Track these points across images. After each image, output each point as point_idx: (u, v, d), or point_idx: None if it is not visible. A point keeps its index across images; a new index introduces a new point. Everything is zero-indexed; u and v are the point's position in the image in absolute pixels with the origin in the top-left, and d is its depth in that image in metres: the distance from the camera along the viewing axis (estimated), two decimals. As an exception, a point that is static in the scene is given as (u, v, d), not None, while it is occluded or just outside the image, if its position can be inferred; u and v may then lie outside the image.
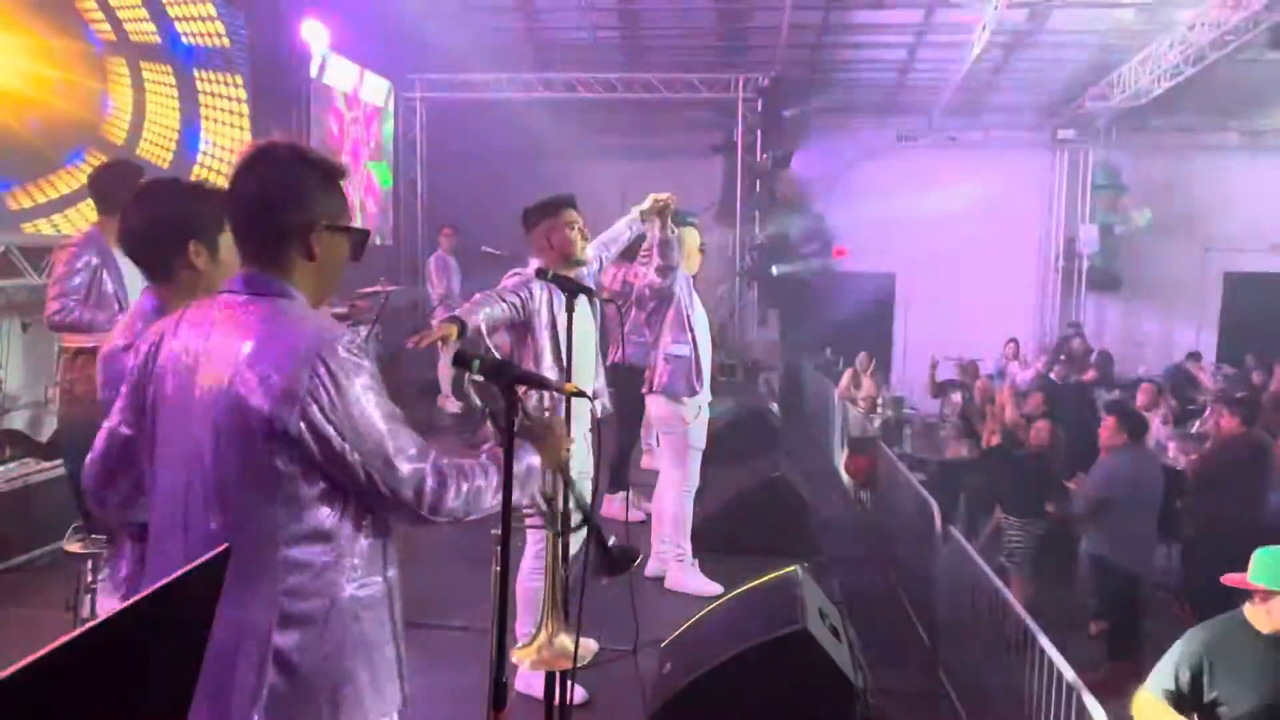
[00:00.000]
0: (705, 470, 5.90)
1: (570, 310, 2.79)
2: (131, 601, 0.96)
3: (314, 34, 9.01)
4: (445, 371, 9.21)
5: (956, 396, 8.88)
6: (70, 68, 5.96)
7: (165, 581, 0.98)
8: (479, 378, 1.67)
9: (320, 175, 1.72)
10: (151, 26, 6.97)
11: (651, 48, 11.84)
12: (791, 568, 3.64)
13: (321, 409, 1.55)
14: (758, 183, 12.21)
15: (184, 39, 7.31)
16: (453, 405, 9.01)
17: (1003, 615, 4.88)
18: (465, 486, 1.68)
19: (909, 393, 11.89)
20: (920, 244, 13.61)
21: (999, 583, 4.93)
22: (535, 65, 11.92)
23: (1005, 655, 4.91)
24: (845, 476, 8.91)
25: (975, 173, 13.51)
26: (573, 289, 2.80)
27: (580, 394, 1.80)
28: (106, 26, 6.41)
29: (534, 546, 3.33)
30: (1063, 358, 10.94)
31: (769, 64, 11.75)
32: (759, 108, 11.87)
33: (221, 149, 7.63)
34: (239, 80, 8.01)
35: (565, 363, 2.89)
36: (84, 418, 3.52)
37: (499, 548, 1.92)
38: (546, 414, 2.08)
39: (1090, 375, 10.35)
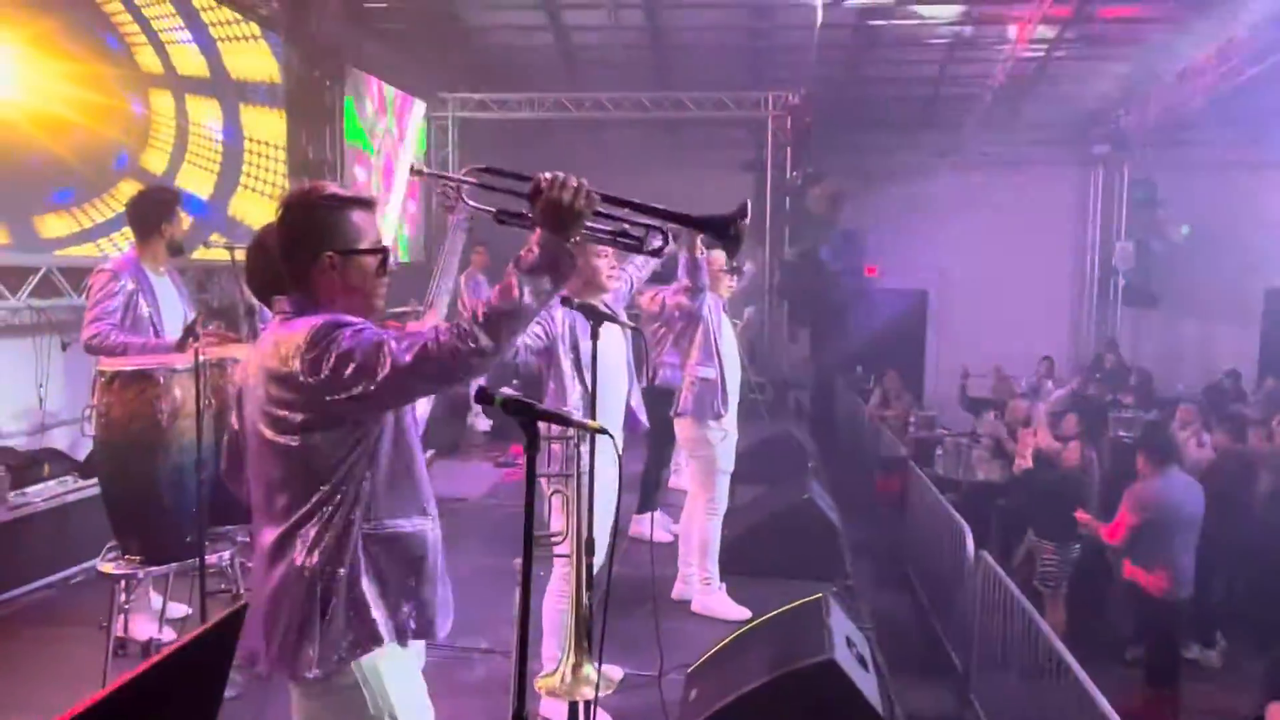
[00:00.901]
0: (733, 491, 5.89)
1: (595, 338, 2.80)
2: (152, 661, 0.97)
3: (348, 55, 9.15)
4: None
5: (989, 416, 8.79)
6: (111, 93, 6.10)
7: (185, 640, 1.00)
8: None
9: (327, 210, 1.98)
10: (202, 60, 7.16)
11: (682, 66, 11.88)
12: (818, 595, 3.61)
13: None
14: (787, 200, 12.19)
15: (232, 74, 7.52)
16: (483, 423, 9.07)
17: (1035, 641, 4.80)
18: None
19: (941, 411, 11.78)
20: (953, 261, 13.54)
21: (1030, 608, 4.85)
22: (567, 84, 12.01)
23: (1038, 681, 4.83)
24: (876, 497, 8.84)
25: (1009, 188, 13.43)
26: (598, 317, 2.81)
27: (603, 431, 1.80)
28: (153, 56, 6.58)
29: (560, 570, 3.33)
30: (1098, 376, 10.79)
31: (799, 81, 11.74)
32: (789, 125, 11.86)
33: (260, 181, 7.77)
34: (282, 114, 8.20)
35: (591, 390, 2.89)
36: (118, 441, 3.60)
37: (521, 577, 1.93)
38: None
39: (1128, 395, 10.19)
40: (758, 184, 12.58)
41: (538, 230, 1.88)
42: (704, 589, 4.65)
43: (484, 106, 12.03)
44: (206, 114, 7.11)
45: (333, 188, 2.04)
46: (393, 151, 11.00)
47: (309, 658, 1.87)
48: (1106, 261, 13.66)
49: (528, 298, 1.81)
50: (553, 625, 3.38)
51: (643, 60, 11.60)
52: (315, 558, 1.89)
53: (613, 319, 2.94)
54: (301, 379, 1.83)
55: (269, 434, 1.91)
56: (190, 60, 6.99)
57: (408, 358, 1.77)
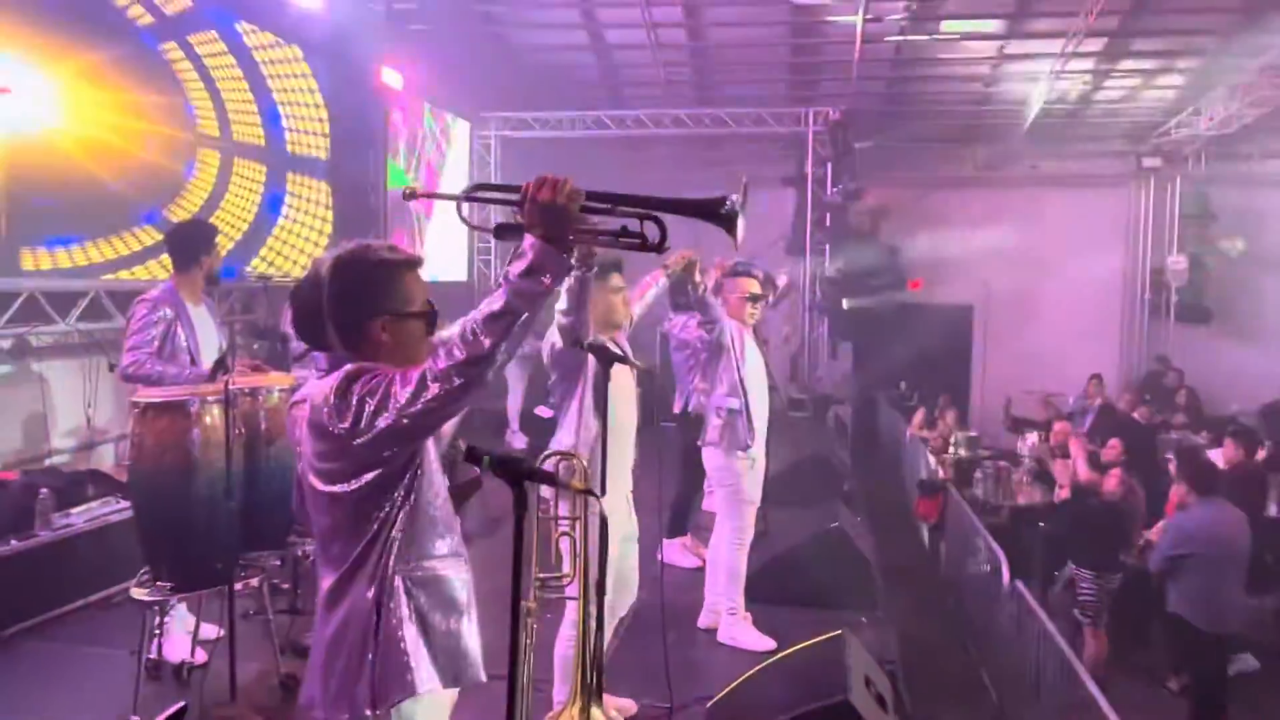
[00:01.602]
0: (765, 514, 5.85)
1: (605, 379, 2.81)
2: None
3: (391, 79, 9.30)
4: (514, 407, 9.35)
5: (1032, 438, 8.62)
6: (161, 126, 6.29)
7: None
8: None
9: (380, 272, 2.00)
10: (260, 130, 7.42)
11: (722, 82, 11.90)
12: (838, 631, 3.58)
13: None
14: (828, 215, 12.12)
15: (288, 145, 7.77)
16: (519, 440, 9.13)
17: (1070, 674, 4.70)
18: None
19: (988, 430, 11.60)
20: (999, 275, 13.35)
21: (1063, 643, 4.75)
22: (607, 103, 12.08)
23: (1071, 715, 4.73)
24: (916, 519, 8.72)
25: (1057, 202, 13.22)
26: (608, 359, 2.82)
27: (588, 492, 1.81)
28: (214, 124, 6.84)
29: (570, 613, 3.33)
30: (1147, 397, 10.54)
31: (840, 96, 11.69)
32: (829, 140, 11.80)
33: (288, 245, 7.91)
34: (326, 187, 8.41)
35: (602, 430, 2.90)
36: (150, 470, 3.69)
37: (513, 619, 1.91)
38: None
39: (1178, 417, 9.95)
40: (799, 199, 12.56)
41: (525, 235, 1.89)
42: (729, 619, 4.62)
43: (526, 125, 12.15)
44: (252, 177, 7.38)
45: (384, 250, 2.05)
46: (436, 171, 11.14)
47: (363, 699, 1.93)
48: (1158, 277, 13.35)
49: (515, 301, 1.82)
50: (563, 667, 3.38)
51: (683, 77, 11.63)
52: (366, 603, 1.94)
53: (623, 359, 2.95)
54: (332, 428, 1.88)
55: (318, 485, 1.96)
56: (250, 129, 7.31)
57: (413, 385, 1.81)
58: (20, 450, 5.65)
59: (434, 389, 1.78)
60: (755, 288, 4.80)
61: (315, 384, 2.03)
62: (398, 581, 1.96)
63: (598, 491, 1.78)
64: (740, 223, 2.00)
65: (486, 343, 1.79)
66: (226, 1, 7.08)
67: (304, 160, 8.08)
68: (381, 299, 1.98)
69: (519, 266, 1.84)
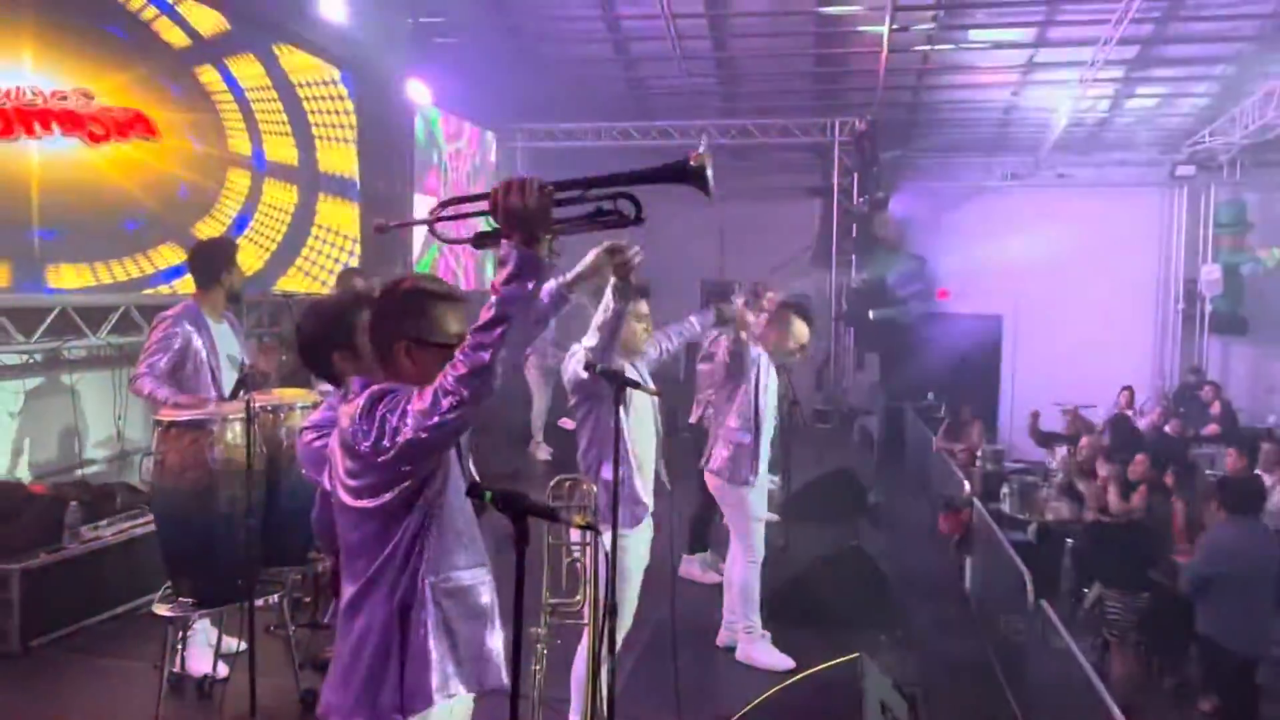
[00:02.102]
0: (786, 530, 5.82)
1: (618, 404, 2.81)
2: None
3: (418, 92, 9.38)
4: (538, 418, 9.37)
5: (1061, 452, 8.50)
6: (194, 144, 6.39)
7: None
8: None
9: (418, 302, 2.11)
10: (295, 152, 7.53)
11: (747, 93, 11.89)
12: (855, 655, 3.55)
13: None
14: (854, 226, 12.06)
15: (319, 165, 7.91)
16: (543, 452, 9.14)
17: (1096, 696, 4.62)
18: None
19: (1016, 442, 11.46)
20: (1029, 285, 13.19)
21: (1087, 666, 4.67)
22: (632, 114, 12.11)
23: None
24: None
25: (1088, 211, 13.04)
26: (622, 384, 2.83)
27: (590, 528, 1.81)
28: (247, 143, 6.97)
29: (587, 638, 3.32)
30: (1181, 410, 10.37)
31: (866, 106, 11.63)
32: (855, 150, 11.75)
33: (315, 265, 7.99)
34: (355, 207, 8.52)
35: (616, 453, 2.89)
36: (172, 487, 3.74)
37: (515, 651, 1.92)
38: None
39: (1212, 428, 9.78)
40: (824, 209, 12.51)
41: (502, 242, 1.94)
42: (746, 638, 4.60)
43: (551, 136, 12.21)
44: (282, 197, 7.49)
45: (427, 280, 2.19)
46: (461, 183, 11.22)
47: (389, 705, 1.99)
48: (1192, 286, 13.14)
49: (505, 309, 1.86)
50: (579, 691, 3.36)
51: (709, 88, 11.64)
52: (388, 612, 2.01)
53: (637, 385, 2.94)
54: (359, 446, 1.96)
55: (348, 500, 2.04)
56: (284, 150, 7.45)
57: (428, 401, 1.87)
58: (53, 461, 5.76)
59: (445, 403, 1.85)
60: (805, 337, 4.74)
61: (325, 412, 2.04)
62: (426, 591, 2.02)
63: (599, 527, 1.79)
64: (709, 174, 1.99)
65: (485, 355, 1.84)
66: (264, 24, 7.19)
67: (334, 179, 8.17)
68: (409, 325, 2.09)
69: (503, 274, 1.88)
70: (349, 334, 2.51)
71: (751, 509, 4.56)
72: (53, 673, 4.37)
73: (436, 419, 1.85)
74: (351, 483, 2.01)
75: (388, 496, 1.97)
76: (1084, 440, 8.06)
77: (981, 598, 7.28)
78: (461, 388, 1.83)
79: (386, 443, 1.90)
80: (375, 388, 2.01)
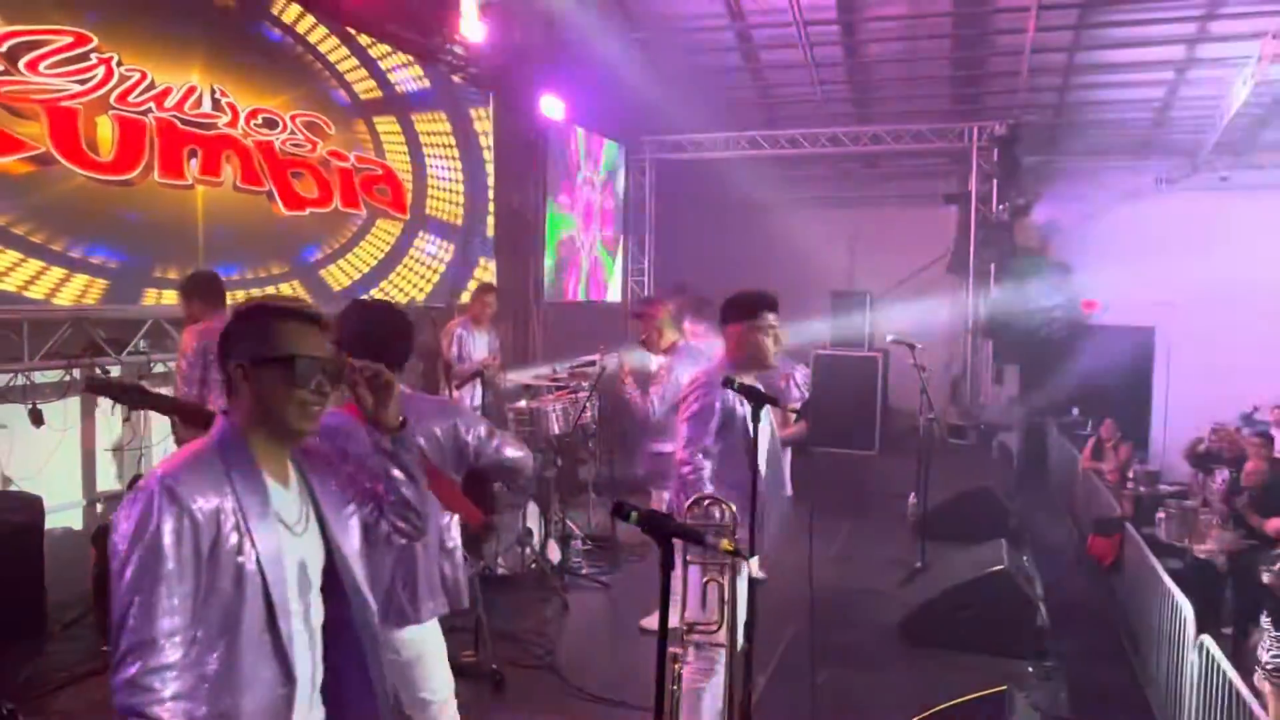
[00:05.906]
0: (926, 549, 5.59)
1: (755, 420, 2.75)
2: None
3: (552, 108, 9.57)
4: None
5: (1221, 475, 7.91)
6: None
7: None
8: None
9: (244, 324, 1.81)
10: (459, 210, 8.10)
11: (881, 99, 11.63)
12: (1002, 687, 3.36)
13: None
14: (993, 233, 11.62)
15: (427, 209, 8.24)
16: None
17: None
18: None
19: (1169, 463, 10.76)
20: (1184, 294, 12.38)
21: (1257, 705, 4.31)
22: (762, 123, 12.01)
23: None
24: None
25: (1249, 215, 12.17)
26: (759, 400, 2.76)
27: (736, 553, 1.76)
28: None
29: (703, 651, 3.21)
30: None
31: (1006, 110, 11.20)
32: (994, 156, 11.32)
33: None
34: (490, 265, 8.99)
35: (752, 472, 2.83)
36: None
37: (658, 670, 1.85)
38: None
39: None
40: (961, 217, 12.10)
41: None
42: None
43: (680, 147, 12.23)
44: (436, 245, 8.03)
45: (271, 300, 1.88)
46: (592, 196, 11.37)
47: None
48: (1368, 296, 12.07)
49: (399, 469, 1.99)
50: (689, 701, 3.26)
51: (840, 94, 11.44)
52: None
53: (774, 401, 2.86)
54: None
55: None
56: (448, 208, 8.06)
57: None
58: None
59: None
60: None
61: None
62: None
63: (746, 552, 1.73)
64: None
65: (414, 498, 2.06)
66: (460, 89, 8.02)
67: (438, 223, 8.37)
68: (247, 346, 1.78)
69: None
70: None
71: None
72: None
73: None
74: None
75: None
76: (1249, 466, 7.46)
77: (1135, 629, 6.85)
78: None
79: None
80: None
